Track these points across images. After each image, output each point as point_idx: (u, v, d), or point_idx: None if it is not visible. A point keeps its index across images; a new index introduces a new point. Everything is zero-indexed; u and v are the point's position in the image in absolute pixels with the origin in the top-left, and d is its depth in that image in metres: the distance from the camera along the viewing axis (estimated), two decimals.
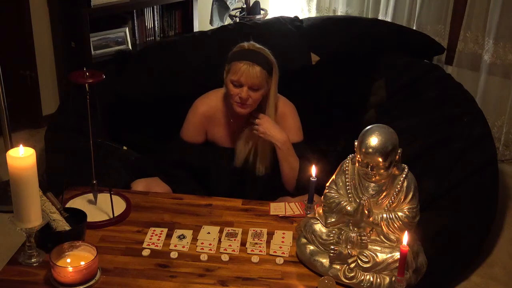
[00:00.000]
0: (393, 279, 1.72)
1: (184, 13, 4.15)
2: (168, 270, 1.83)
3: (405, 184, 1.75)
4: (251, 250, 1.93)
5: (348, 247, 1.76)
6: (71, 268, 1.69)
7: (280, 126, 2.33)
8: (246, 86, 2.20)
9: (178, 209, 2.17)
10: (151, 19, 3.99)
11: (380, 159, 1.68)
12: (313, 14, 4.38)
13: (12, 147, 2.56)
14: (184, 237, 1.99)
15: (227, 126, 2.40)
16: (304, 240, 1.87)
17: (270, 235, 2.01)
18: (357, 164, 1.76)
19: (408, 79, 2.97)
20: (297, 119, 2.41)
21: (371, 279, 1.74)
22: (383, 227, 1.75)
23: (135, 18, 3.90)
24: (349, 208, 1.78)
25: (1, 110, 2.91)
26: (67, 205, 2.07)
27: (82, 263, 1.72)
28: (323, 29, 3.22)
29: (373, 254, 1.75)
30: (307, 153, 2.35)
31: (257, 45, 2.27)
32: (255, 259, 1.90)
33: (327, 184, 1.86)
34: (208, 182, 2.46)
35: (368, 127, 1.74)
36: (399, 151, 1.72)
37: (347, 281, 1.76)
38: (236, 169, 2.41)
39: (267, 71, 2.22)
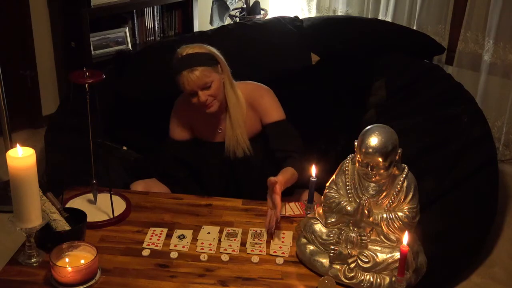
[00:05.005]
0: (393, 279, 1.72)
1: (184, 13, 4.16)
2: (168, 270, 1.83)
3: (405, 184, 1.75)
4: (251, 250, 1.93)
5: (348, 247, 1.76)
6: (71, 268, 1.69)
7: (256, 109, 2.32)
8: (198, 90, 2.19)
9: (178, 209, 2.17)
10: (151, 19, 4.00)
11: (380, 159, 1.68)
12: (313, 14, 4.38)
13: (12, 147, 2.55)
14: (184, 237, 1.98)
15: (208, 120, 2.39)
16: (304, 240, 1.87)
17: (270, 235, 2.01)
18: (357, 164, 1.76)
19: (408, 79, 2.97)
20: (274, 97, 2.37)
21: (371, 279, 1.74)
22: (383, 227, 1.75)
23: (135, 18, 3.90)
24: (349, 208, 1.78)
25: (1, 110, 2.91)
26: (67, 205, 2.07)
27: (82, 261, 1.72)
28: (323, 29, 3.21)
29: (373, 254, 1.75)
30: (293, 137, 2.32)
31: (191, 46, 2.22)
32: (255, 259, 1.90)
33: (327, 184, 1.86)
34: (202, 179, 2.46)
35: (368, 127, 1.74)
36: (399, 151, 1.72)
37: (347, 281, 1.76)
38: (226, 162, 2.40)
39: (209, 65, 2.19)
